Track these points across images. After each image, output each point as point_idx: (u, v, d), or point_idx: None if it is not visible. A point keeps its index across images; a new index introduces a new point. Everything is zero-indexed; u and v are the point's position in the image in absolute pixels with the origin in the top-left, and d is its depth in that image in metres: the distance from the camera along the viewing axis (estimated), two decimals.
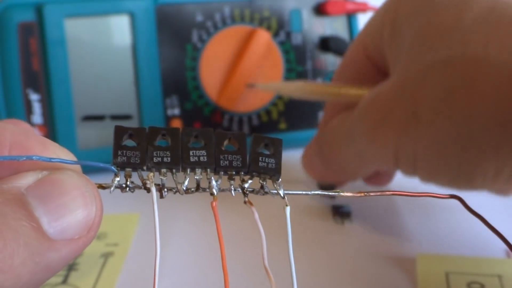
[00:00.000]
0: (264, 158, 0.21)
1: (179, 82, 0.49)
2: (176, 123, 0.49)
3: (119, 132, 0.21)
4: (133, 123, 0.48)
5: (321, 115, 0.52)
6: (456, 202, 0.23)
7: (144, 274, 0.35)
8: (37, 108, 0.46)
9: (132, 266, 0.36)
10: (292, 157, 0.51)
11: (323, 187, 0.43)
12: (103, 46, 0.47)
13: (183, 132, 0.21)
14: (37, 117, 0.46)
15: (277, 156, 0.21)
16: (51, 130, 0.46)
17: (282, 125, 0.51)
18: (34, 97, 0.46)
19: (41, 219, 0.19)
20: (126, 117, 0.48)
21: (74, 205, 0.20)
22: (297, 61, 0.51)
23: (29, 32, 0.45)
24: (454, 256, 0.36)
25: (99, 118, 0.47)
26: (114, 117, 0.47)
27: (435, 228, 0.40)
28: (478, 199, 0.42)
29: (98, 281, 0.34)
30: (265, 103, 0.51)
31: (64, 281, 0.34)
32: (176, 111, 0.49)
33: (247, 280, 0.34)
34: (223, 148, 0.21)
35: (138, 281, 0.35)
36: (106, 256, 0.37)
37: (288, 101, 0.51)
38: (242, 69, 0.49)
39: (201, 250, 0.38)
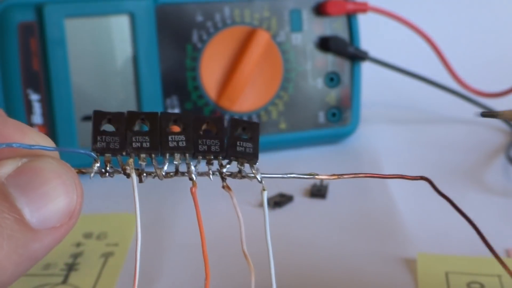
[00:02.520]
0: (241, 142, 0.21)
1: (179, 82, 0.49)
2: None
3: (98, 117, 0.21)
4: None
5: (321, 115, 0.52)
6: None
7: (144, 273, 0.35)
8: (37, 108, 0.46)
9: (132, 266, 0.36)
10: (292, 156, 0.51)
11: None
12: (103, 46, 0.47)
13: (161, 117, 0.21)
14: (37, 117, 0.46)
15: (255, 140, 0.21)
16: (51, 130, 0.46)
17: (282, 125, 0.51)
18: (34, 97, 0.46)
19: (24, 210, 0.19)
20: None
21: (56, 193, 0.19)
22: (297, 61, 0.51)
23: (29, 32, 0.45)
24: (454, 256, 0.36)
25: None
26: None
27: (435, 228, 0.40)
28: (477, 198, 0.43)
29: (98, 281, 0.34)
30: (265, 103, 0.51)
31: (64, 281, 0.34)
32: (176, 111, 0.49)
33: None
34: (201, 133, 0.21)
35: (138, 280, 0.35)
36: (106, 256, 0.37)
37: (288, 101, 0.51)
38: (242, 69, 0.49)
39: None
